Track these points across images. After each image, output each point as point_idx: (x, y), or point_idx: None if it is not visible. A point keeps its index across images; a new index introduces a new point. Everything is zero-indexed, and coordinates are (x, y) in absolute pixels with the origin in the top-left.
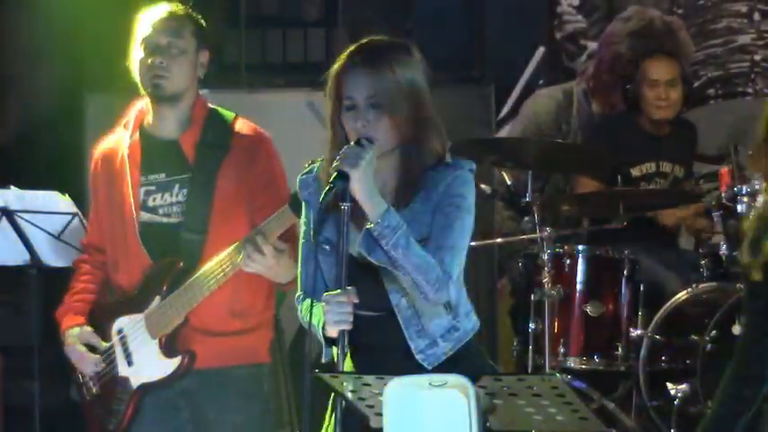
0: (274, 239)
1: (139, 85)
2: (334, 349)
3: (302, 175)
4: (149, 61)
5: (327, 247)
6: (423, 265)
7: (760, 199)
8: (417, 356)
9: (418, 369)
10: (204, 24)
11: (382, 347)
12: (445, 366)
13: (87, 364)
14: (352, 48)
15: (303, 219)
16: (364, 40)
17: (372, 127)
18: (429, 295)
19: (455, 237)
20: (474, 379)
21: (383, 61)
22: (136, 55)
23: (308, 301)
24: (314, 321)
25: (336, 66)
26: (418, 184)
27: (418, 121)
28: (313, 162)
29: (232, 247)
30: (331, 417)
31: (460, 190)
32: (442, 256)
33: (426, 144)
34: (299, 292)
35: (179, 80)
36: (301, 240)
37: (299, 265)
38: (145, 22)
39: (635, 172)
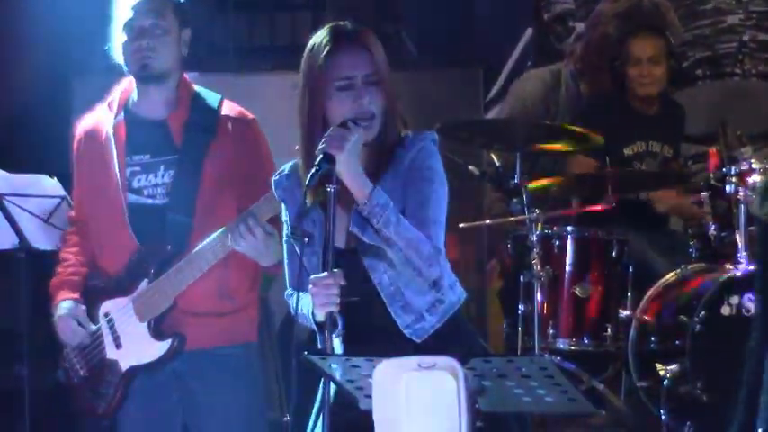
0: (264, 222)
1: (124, 67)
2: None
3: (275, 176)
4: (135, 44)
5: (306, 239)
6: (414, 240)
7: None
8: (405, 331)
9: (408, 343)
10: (183, 2)
11: (370, 328)
12: (434, 341)
13: (75, 337)
14: (328, 31)
15: (283, 218)
16: (333, 24)
17: (374, 104)
18: (422, 271)
19: (434, 210)
20: (463, 358)
21: (372, 39)
22: (118, 38)
23: (297, 294)
24: (304, 310)
25: (324, 49)
26: (387, 159)
27: (394, 95)
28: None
29: (222, 230)
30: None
31: (428, 162)
32: (426, 231)
33: (396, 120)
34: (288, 290)
35: (165, 59)
36: (284, 238)
37: (285, 263)
38: (124, 5)
39: (626, 151)
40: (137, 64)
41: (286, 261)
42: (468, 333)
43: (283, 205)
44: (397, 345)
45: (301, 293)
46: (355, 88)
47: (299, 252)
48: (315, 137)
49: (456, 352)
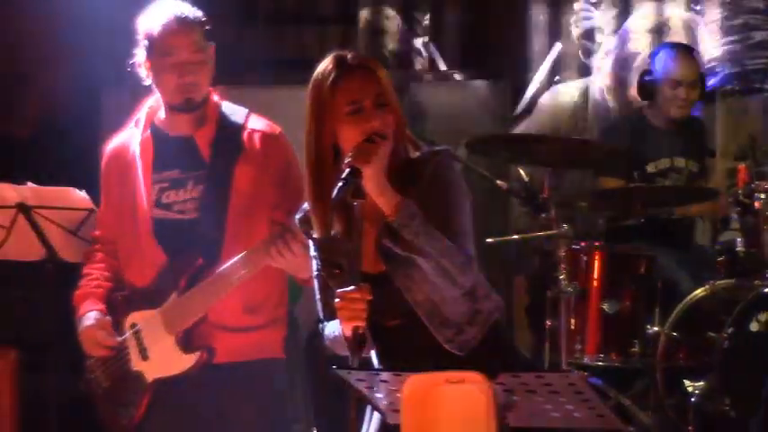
0: (302, 237)
1: (160, 94)
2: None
3: (298, 213)
4: (180, 81)
5: (337, 270)
6: (446, 249)
7: None
8: (447, 346)
9: (452, 358)
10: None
11: (414, 349)
12: (477, 352)
13: (100, 349)
14: (331, 60)
15: (312, 252)
16: (334, 54)
17: (385, 125)
18: (457, 278)
19: (460, 221)
20: (492, 372)
21: (376, 63)
22: (152, 65)
23: (327, 324)
24: (336, 332)
25: (329, 77)
26: (404, 176)
27: (403, 116)
28: None
29: (257, 245)
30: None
31: (446, 175)
32: (456, 241)
33: (405, 140)
34: (321, 323)
35: (205, 89)
36: (314, 273)
37: (317, 297)
38: (155, 29)
39: (650, 168)
40: (179, 98)
41: (318, 295)
42: (509, 342)
43: (311, 242)
44: (442, 361)
45: (331, 322)
46: (365, 112)
47: (330, 284)
48: (325, 166)
49: (498, 362)
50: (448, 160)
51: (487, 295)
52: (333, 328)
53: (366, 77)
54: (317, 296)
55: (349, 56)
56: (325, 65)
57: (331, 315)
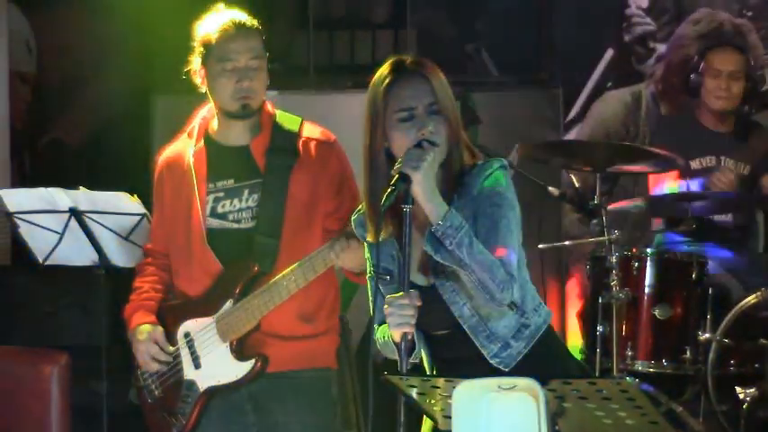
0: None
1: (215, 101)
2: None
3: (354, 214)
4: (238, 86)
5: (388, 277)
6: (487, 263)
7: None
8: (492, 361)
9: (496, 373)
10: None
11: (458, 361)
12: (523, 366)
13: (155, 364)
14: (389, 65)
15: (366, 255)
16: (393, 59)
17: (436, 133)
18: (495, 295)
19: (504, 234)
20: (544, 379)
21: (433, 69)
22: (209, 71)
23: (380, 327)
24: (385, 338)
25: (383, 82)
26: (457, 184)
27: (459, 124)
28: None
29: (315, 253)
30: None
31: (497, 188)
32: (498, 254)
33: (461, 149)
34: (376, 328)
35: (262, 95)
36: (368, 276)
37: (370, 300)
38: (213, 36)
39: (694, 164)
40: (236, 104)
41: (371, 298)
42: (561, 353)
43: (366, 244)
44: (486, 376)
45: (381, 326)
46: (417, 118)
47: (381, 290)
48: (379, 171)
49: (547, 374)
50: (500, 172)
51: (536, 309)
52: (383, 333)
53: (420, 84)
54: (371, 300)
55: (408, 60)
56: (383, 69)
57: (382, 319)
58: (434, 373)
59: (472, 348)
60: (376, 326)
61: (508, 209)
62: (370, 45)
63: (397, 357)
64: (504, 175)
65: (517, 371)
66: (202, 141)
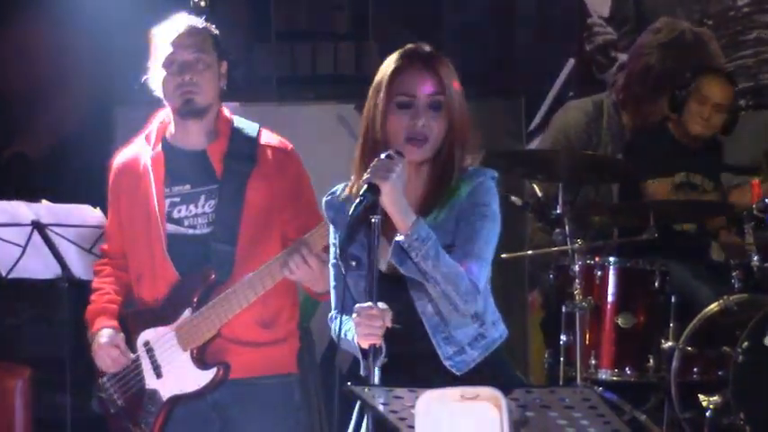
0: (318, 250)
1: (166, 101)
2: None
3: (327, 197)
4: (178, 79)
5: (354, 262)
6: (452, 276)
7: None
8: (446, 363)
9: (447, 376)
10: (218, 34)
11: (412, 356)
12: (474, 374)
13: (115, 366)
14: (404, 50)
15: (331, 240)
16: (411, 45)
17: (428, 127)
18: (459, 306)
19: (481, 246)
20: (504, 389)
21: (444, 63)
22: (158, 72)
23: (340, 317)
24: (349, 336)
25: (392, 65)
26: (445, 187)
27: (464, 127)
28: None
29: (272, 260)
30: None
31: (485, 198)
32: (468, 265)
33: (463, 152)
34: (332, 312)
35: (208, 94)
36: (331, 261)
37: (331, 286)
38: (163, 38)
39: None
40: (180, 99)
41: (332, 284)
42: (508, 369)
43: (332, 227)
44: (437, 376)
45: (345, 317)
46: (415, 108)
47: (344, 275)
48: (373, 152)
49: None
50: (490, 183)
51: (495, 323)
52: (348, 332)
53: (427, 74)
54: (331, 285)
55: (421, 50)
56: (396, 53)
57: (343, 307)
58: (382, 368)
59: (427, 347)
60: (335, 312)
61: (491, 221)
62: (332, 57)
63: (353, 352)
64: (493, 187)
65: (465, 378)
66: (160, 146)
